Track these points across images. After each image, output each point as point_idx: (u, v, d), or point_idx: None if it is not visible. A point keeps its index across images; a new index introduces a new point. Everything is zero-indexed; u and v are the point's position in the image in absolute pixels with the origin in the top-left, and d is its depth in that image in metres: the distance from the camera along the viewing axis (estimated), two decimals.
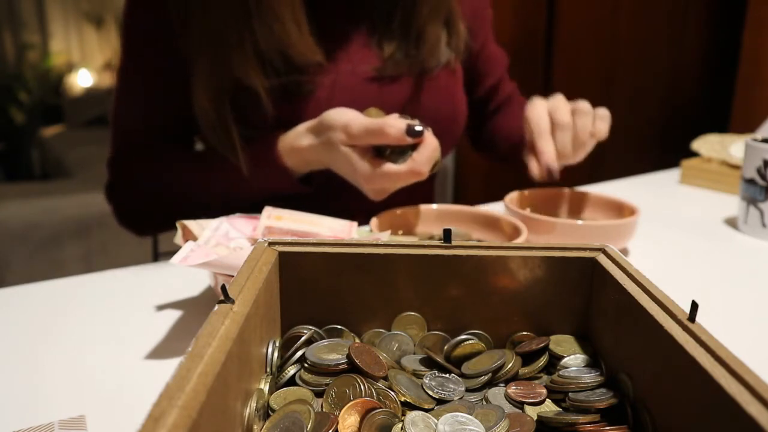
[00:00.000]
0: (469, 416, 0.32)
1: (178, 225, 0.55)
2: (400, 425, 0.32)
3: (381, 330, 0.40)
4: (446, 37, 0.80)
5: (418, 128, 0.59)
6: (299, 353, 0.37)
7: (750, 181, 0.74)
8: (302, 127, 0.68)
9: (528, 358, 0.39)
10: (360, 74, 0.76)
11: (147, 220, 0.82)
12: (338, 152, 0.63)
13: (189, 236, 0.54)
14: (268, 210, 0.58)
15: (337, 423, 0.31)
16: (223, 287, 0.31)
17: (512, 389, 0.36)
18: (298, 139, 0.68)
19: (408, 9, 0.77)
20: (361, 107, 0.66)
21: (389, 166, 0.61)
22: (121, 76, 0.78)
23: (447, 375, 0.37)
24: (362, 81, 0.76)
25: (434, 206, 0.70)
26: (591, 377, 0.35)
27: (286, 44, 0.70)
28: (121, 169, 0.80)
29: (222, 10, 0.69)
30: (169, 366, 0.44)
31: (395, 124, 0.59)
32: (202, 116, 0.72)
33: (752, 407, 0.23)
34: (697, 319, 0.29)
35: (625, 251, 0.69)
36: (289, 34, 0.69)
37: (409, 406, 0.34)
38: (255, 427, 0.31)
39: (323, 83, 0.74)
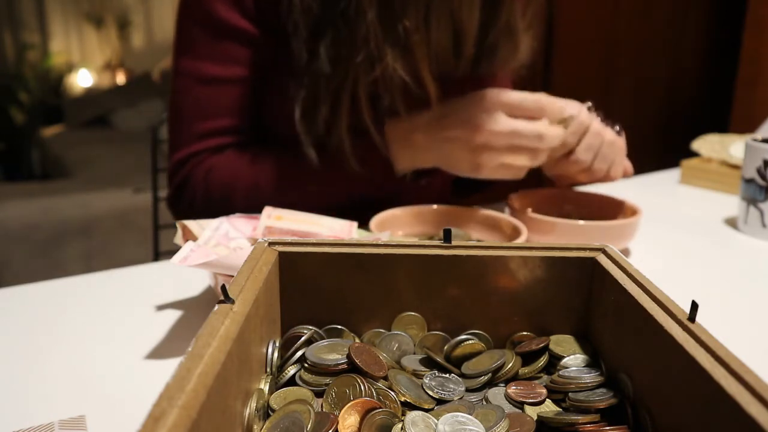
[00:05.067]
0: (469, 416, 0.32)
1: (178, 225, 0.55)
2: (400, 425, 0.32)
3: (381, 330, 0.40)
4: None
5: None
6: (299, 353, 0.37)
7: (750, 181, 0.74)
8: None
9: (528, 358, 0.39)
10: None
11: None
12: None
13: (189, 236, 0.54)
14: (268, 210, 0.58)
15: (337, 423, 0.31)
16: (223, 287, 0.31)
17: (512, 389, 0.36)
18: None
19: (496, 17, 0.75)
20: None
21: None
22: (188, 72, 0.73)
23: (447, 375, 0.37)
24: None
25: (434, 206, 0.70)
26: (591, 377, 0.35)
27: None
28: (190, 171, 0.75)
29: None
30: (169, 366, 0.44)
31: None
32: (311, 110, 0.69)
33: (752, 407, 0.23)
34: (697, 319, 0.29)
35: (625, 251, 0.69)
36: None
37: (409, 406, 0.34)
38: (255, 427, 0.31)
39: None
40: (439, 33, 0.69)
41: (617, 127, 0.72)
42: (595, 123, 0.70)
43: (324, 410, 0.33)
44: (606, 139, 0.70)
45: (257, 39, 0.72)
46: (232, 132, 0.75)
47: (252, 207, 0.70)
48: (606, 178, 0.73)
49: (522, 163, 0.66)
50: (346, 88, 0.67)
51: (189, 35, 0.74)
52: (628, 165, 0.75)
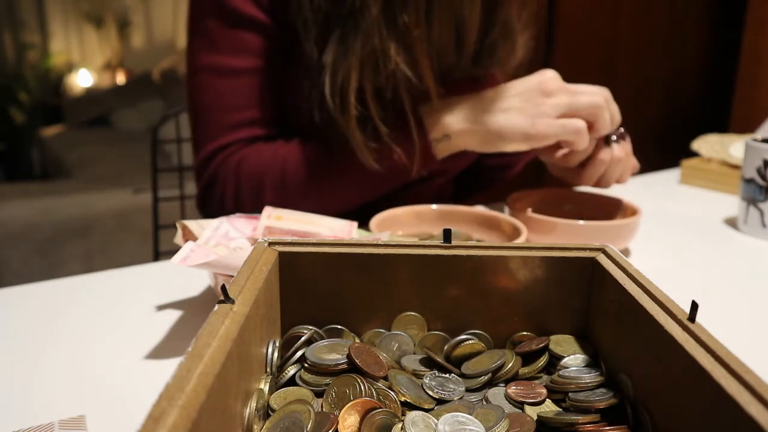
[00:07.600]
0: (469, 416, 0.32)
1: (177, 225, 0.55)
2: (400, 425, 0.32)
3: (381, 330, 0.40)
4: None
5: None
6: (299, 353, 0.37)
7: (750, 181, 0.74)
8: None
9: (528, 358, 0.39)
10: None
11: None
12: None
13: (189, 236, 0.54)
14: (268, 210, 0.58)
15: (337, 423, 0.31)
16: (223, 287, 0.31)
17: (512, 389, 0.36)
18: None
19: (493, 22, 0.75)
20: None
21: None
22: (207, 67, 0.72)
23: (447, 375, 0.37)
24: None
25: (434, 206, 0.70)
26: (591, 377, 0.35)
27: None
28: (220, 165, 0.72)
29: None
30: (169, 366, 0.44)
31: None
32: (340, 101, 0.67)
33: (752, 407, 0.23)
34: (697, 319, 0.29)
35: (626, 251, 0.69)
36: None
37: (409, 406, 0.34)
38: (255, 427, 0.31)
39: None
40: (441, 29, 0.69)
41: (621, 129, 0.72)
42: (604, 152, 0.70)
43: (324, 410, 0.33)
44: (614, 158, 0.70)
45: (272, 30, 0.71)
46: (261, 123, 0.74)
47: (281, 199, 0.69)
48: (615, 183, 0.74)
49: (580, 124, 0.65)
50: (352, 82, 0.66)
51: (203, 29, 0.72)
52: (635, 163, 0.75)
